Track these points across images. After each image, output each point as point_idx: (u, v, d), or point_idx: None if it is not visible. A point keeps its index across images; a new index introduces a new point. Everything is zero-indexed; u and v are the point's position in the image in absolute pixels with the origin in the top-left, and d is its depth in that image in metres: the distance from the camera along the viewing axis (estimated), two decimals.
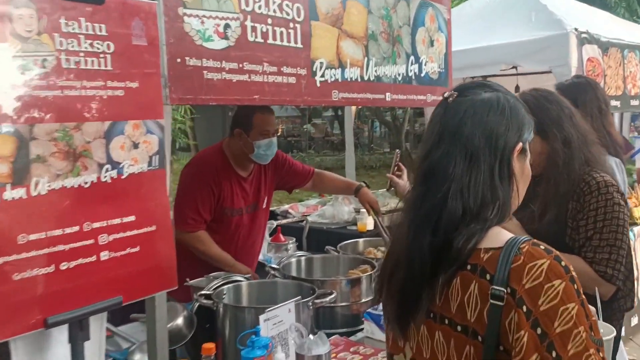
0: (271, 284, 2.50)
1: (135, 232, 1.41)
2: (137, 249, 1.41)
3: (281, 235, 4.15)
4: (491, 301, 1.06)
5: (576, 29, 4.23)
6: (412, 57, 2.69)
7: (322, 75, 2.16)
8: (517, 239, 1.11)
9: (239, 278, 2.56)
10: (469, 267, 1.12)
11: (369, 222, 5.03)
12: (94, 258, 1.33)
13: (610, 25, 5.18)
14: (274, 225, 4.32)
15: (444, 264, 1.14)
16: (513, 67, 4.80)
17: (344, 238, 5.06)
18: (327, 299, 2.27)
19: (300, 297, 2.19)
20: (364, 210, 5.15)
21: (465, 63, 4.36)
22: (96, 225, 1.34)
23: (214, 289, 2.38)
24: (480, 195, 1.15)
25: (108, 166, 1.39)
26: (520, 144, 1.21)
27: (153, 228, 1.45)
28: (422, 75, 2.78)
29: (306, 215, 5.56)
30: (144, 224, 1.43)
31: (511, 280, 1.06)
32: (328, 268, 2.83)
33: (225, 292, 2.36)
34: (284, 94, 1.97)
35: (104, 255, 1.35)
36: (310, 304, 2.21)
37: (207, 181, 2.87)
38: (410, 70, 2.69)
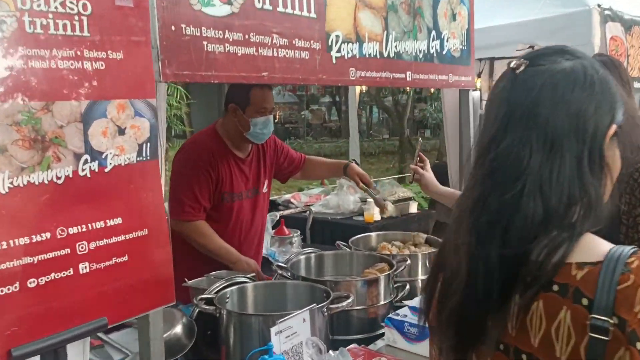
0: (280, 286, 2.24)
1: (122, 237, 1.13)
2: (124, 258, 1.14)
3: (285, 228, 3.90)
4: (591, 334, 0.80)
5: (599, 5, 3.95)
6: (433, 32, 2.42)
7: (339, 51, 1.89)
8: (620, 250, 0.85)
9: (243, 279, 2.31)
10: (555, 287, 0.86)
11: (376, 213, 4.78)
12: (70, 272, 1.06)
13: (632, 2, 4.90)
14: (277, 217, 4.06)
15: (520, 282, 0.88)
16: (529, 48, 4.52)
17: (350, 229, 4.83)
18: (344, 303, 2.02)
19: (314, 302, 1.95)
20: (371, 200, 4.90)
21: (477, 43, 4.08)
22: (73, 230, 1.07)
23: (215, 292, 2.13)
24: (567, 192, 0.89)
25: (87, 157, 1.11)
26: (614, 127, 0.94)
27: (145, 232, 1.18)
28: (444, 52, 2.51)
29: (309, 205, 5.30)
30: (133, 227, 1.16)
31: (618, 308, 0.80)
32: (340, 266, 2.57)
33: (228, 296, 2.11)
34: (296, 71, 1.70)
35: (84, 267, 1.08)
36: (325, 309, 1.96)
37: (203, 165, 2.65)
38: (432, 47, 2.41)
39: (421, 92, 17.01)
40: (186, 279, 2.41)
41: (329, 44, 1.86)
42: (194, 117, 12.05)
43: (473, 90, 2.74)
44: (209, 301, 2.05)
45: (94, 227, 1.09)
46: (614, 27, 4.06)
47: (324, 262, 2.58)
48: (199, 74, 1.40)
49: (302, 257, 2.54)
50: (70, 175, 1.09)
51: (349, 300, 2.03)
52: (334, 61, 1.87)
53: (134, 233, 1.15)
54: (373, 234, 3.00)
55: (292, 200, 5.45)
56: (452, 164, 3.15)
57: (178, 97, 7.97)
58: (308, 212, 4.81)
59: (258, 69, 1.57)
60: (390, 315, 2.08)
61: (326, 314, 1.96)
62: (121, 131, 1.16)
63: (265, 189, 2.96)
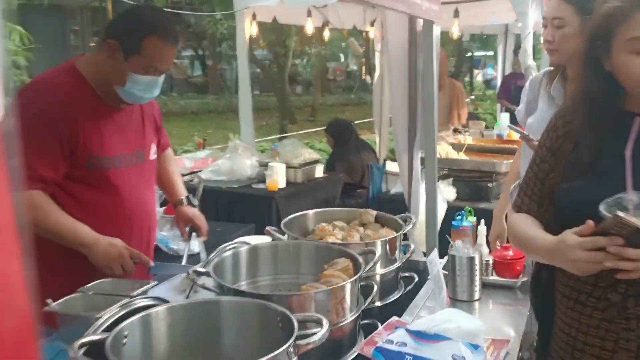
0: (207, 308, 1.47)
1: None
2: None
3: None
4: None
5: None
6: None
7: None
8: None
9: (146, 301, 1.51)
10: None
11: (280, 179, 4.06)
12: None
13: None
14: None
15: None
16: None
17: (251, 201, 4.08)
18: (318, 336, 1.30)
19: (265, 332, 1.24)
20: (273, 164, 4.17)
21: None
22: None
23: (106, 329, 1.33)
24: None
25: None
26: None
27: None
28: None
29: (196, 172, 4.44)
30: None
31: None
32: (283, 265, 1.85)
33: (127, 333, 1.31)
34: None
35: None
36: (292, 350, 1.25)
37: (50, 116, 1.80)
38: None
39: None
40: (50, 300, 1.59)
41: None
42: (36, 66, 10.27)
43: (436, 25, 2.09)
44: (96, 347, 1.24)
45: None
46: None
47: (260, 260, 1.84)
48: None
49: (228, 253, 1.78)
50: None
51: (324, 330, 1.32)
52: None
53: None
54: (310, 212, 2.29)
55: None
56: (398, 121, 2.53)
57: (18, 38, 6.49)
58: (197, 180, 3.95)
59: None
60: (381, 345, 1.42)
61: (293, 356, 1.25)
62: None
63: (153, 155, 2.13)
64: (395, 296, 2.04)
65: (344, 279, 1.64)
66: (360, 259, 1.74)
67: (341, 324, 1.57)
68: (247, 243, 1.88)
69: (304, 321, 1.36)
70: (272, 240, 2.05)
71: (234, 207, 3.92)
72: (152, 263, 1.97)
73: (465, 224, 2.08)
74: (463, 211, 2.11)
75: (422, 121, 2.27)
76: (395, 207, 3.91)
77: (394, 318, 1.77)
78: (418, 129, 2.45)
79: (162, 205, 3.09)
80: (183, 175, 4.36)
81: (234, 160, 4.24)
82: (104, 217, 1.91)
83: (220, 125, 13.41)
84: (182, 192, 2.29)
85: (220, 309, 1.44)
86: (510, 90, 7.50)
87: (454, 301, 1.93)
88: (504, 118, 5.35)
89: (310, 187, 4.22)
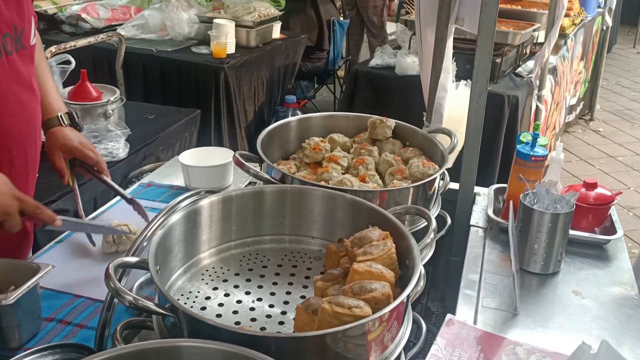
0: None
1: None
2: None
3: (89, 85, 2.18)
4: None
5: None
6: None
7: None
8: None
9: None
10: None
11: (230, 43, 3.13)
12: None
13: None
14: (72, 65, 2.22)
15: None
16: None
17: (192, 71, 3.12)
18: None
19: None
20: (220, 21, 3.20)
21: None
22: None
23: None
24: None
25: None
26: None
27: None
28: None
29: (115, 27, 3.40)
30: None
31: None
32: (272, 226, 1.10)
33: None
34: None
35: None
36: None
37: None
38: None
39: None
40: None
41: None
42: None
43: None
44: None
45: None
46: None
47: (234, 223, 1.08)
48: None
49: (177, 218, 1.00)
50: None
51: None
52: None
53: None
54: (292, 121, 1.50)
55: (83, 15, 3.46)
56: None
57: None
58: (117, 39, 2.96)
59: None
60: None
61: None
62: None
63: (33, 39, 1.30)
64: (427, 255, 1.37)
65: (388, 280, 0.95)
66: (410, 237, 1.04)
67: None
68: (209, 192, 1.10)
69: None
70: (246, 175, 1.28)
71: (170, 80, 3.02)
72: (59, 221, 1.16)
73: (539, 151, 1.37)
74: (536, 132, 1.38)
75: None
76: (375, 85, 3.14)
77: (451, 319, 1.12)
78: None
79: (64, 84, 2.17)
80: (98, 30, 3.34)
81: (166, 13, 3.23)
82: None
83: None
84: (59, 105, 1.39)
85: None
86: None
87: (523, 274, 1.29)
88: None
89: (267, 52, 3.32)
